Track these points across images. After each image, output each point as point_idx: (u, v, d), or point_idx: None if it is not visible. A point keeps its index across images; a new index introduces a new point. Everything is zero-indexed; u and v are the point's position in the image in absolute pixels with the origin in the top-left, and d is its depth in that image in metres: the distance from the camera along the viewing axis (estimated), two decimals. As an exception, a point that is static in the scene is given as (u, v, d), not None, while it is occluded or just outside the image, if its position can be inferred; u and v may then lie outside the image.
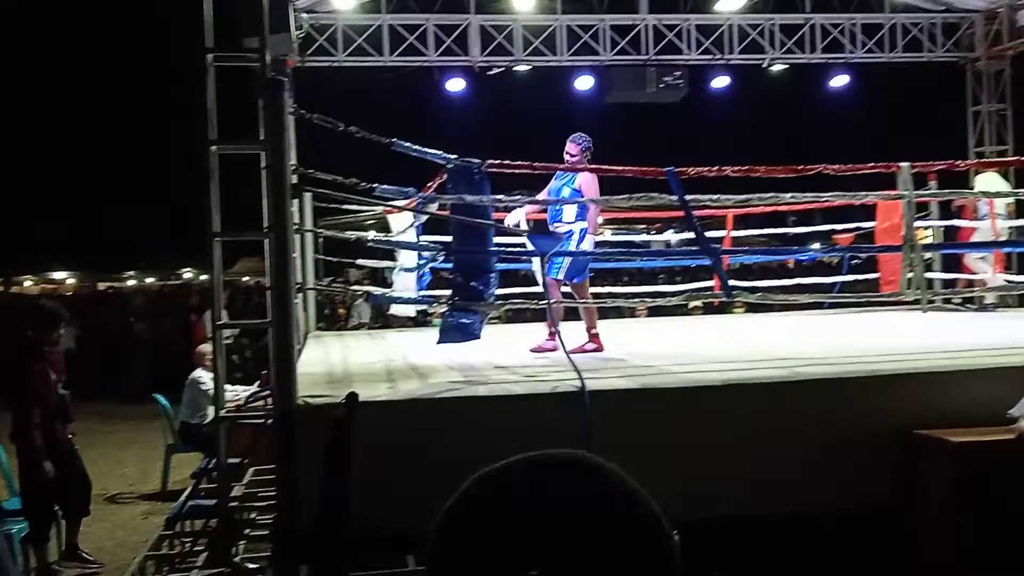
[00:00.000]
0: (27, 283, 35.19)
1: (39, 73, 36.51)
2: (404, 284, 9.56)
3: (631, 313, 12.86)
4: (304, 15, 11.20)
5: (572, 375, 5.02)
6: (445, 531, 1.02)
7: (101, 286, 32.64)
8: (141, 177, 36.05)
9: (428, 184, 7.97)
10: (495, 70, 12.86)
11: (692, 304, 12.94)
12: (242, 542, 5.75)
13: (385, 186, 6.53)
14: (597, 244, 7.57)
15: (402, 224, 9.19)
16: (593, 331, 6.99)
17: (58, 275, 37.57)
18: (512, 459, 1.09)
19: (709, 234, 8.30)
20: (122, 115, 36.22)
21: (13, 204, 34.42)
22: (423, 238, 8.76)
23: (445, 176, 6.79)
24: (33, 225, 34.35)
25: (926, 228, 9.89)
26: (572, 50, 12.79)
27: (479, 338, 6.25)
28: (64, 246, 36.27)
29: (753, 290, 8.77)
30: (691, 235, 7.41)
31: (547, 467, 1.08)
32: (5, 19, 33.27)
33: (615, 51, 12.91)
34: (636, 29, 12.95)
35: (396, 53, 12.29)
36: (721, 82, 13.94)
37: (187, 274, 36.80)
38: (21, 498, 7.31)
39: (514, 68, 12.95)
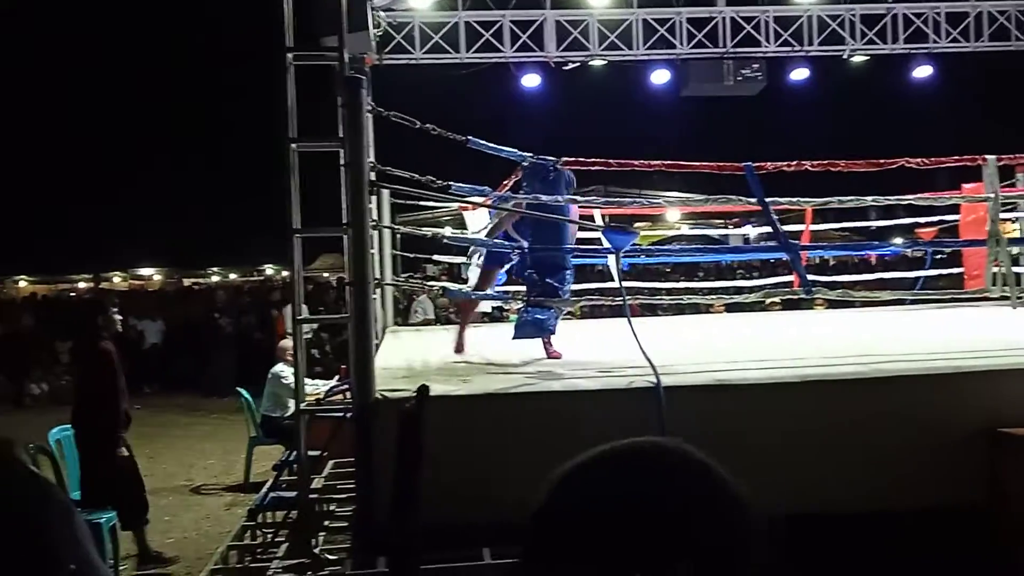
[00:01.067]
0: (116, 279, 36.12)
1: (125, 72, 37.45)
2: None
3: (707, 309, 12.74)
4: (382, 13, 11.31)
5: (647, 371, 5.01)
6: (544, 521, 1.04)
7: (186, 282, 33.39)
8: (223, 174, 36.77)
9: (504, 182, 8.01)
10: (570, 65, 12.84)
11: (770, 300, 12.78)
12: (321, 534, 5.85)
13: (461, 184, 6.57)
14: (675, 239, 7.52)
15: (479, 221, 9.25)
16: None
17: (145, 271, 38.48)
18: (603, 448, 1.10)
19: (787, 228, 8.19)
20: (204, 114, 36.99)
21: (103, 202, 35.44)
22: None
23: (520, 174, 6.82)
24: (121, 222, 35.30)
25: (1013, 221, 9.62)
26: (648, 44, 12.71)
27: (554, 333, 6.27)
28: (150, 243, 37.18)
29: (833, 286, 8.65)
30: (769, 230, 7.33)
31: (640, 455, 1.07)
32: (91, 17, 34.24)
33: (692, 44, 12.79)
34: (713, 22, 12.82)
35: (472, 50, 12.35)
36: (800, 74, 13.73)
37: (268, 270, 37.41)
38: (89, 485, 7.37)
39: (589, 63, 12.93)
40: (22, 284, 34.77)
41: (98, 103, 37.25)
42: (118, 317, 7.81)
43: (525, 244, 6.45)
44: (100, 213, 35.89)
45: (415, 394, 4.32)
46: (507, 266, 6.90)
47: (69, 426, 7.64)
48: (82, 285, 33.39)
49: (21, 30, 35.18)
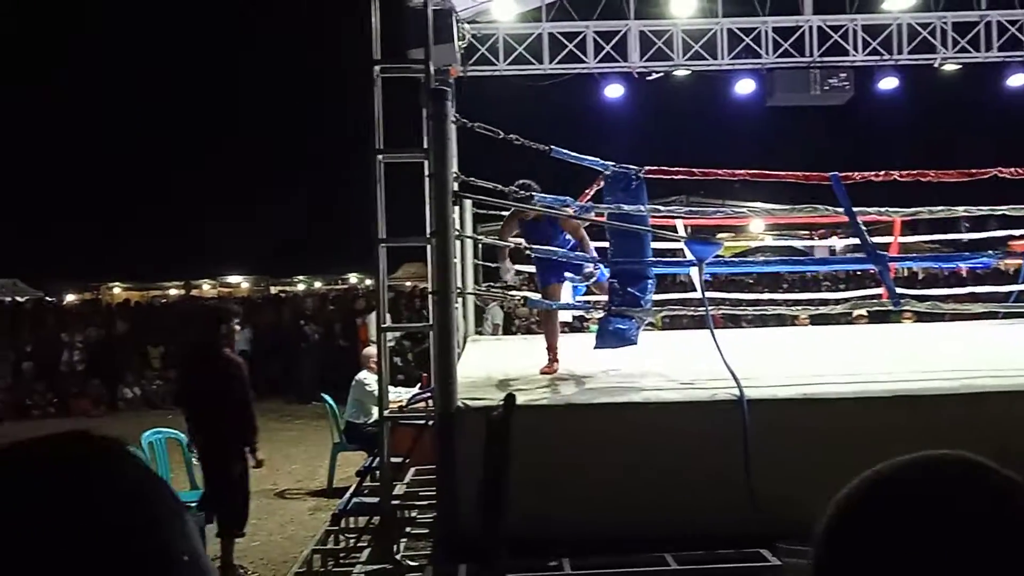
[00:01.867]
0: (205, 287, 36.98)
1: (217, 83, 38.39)
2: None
3: (792, 321, 12.57)
4: (467, 25, 11.42)
5: (731, 383, 4.97)
6: (838, 536, 0.98)
7: (273, 290, 34.03)
8: (310, 184, 37.45)
9: (585, 191, 8.01)
10: (654, 75, 12.80)
11: (857, 312, 12.55)
12: (403, 540, 5.91)
13: (543, 194, 6.60)
14: (758, 250, 7.44)
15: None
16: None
17: (233, 279, 39.32)
18: (901, 460, 1.04)
19: (875, 240, 8.04)
20: (292, 125, 37.73)
21: (194, 211, 36.37)
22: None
23: (602, 183, 6.82)
24: (211, 231, 36.16)
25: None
26: (733, 53, 12.60)
27: (635, 344, 6.25)
28: (239, 251, 38.03)
29: (922, 298, 8.46)
30: (856, 241, 7.20)
31: (938, 469, 1.01)
32: (183, 30, 35.17)
33: (778, 53, 12.64)
34: (800, 31, 12.65)
35: (556, 61, 12.39)
36: (889, 83, 13.46)
37: (352, 278, 37.92)
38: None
39: (673, 73, 12.87)
40: (116, 291, 35.83)
41: (191, 115, 38.27)
42: (237, 327, 7.88)
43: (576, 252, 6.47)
44: (191, 222, 36.86)
45: (502, 403, 4.35)
46: (572, 277, 6.90)
47: (161, 430, 7.82)
48: (173, 292, 34.27)
49: (119, 41, 36.32)
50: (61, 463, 0.94)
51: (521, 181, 6.57)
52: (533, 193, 6.54)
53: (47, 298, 29.41)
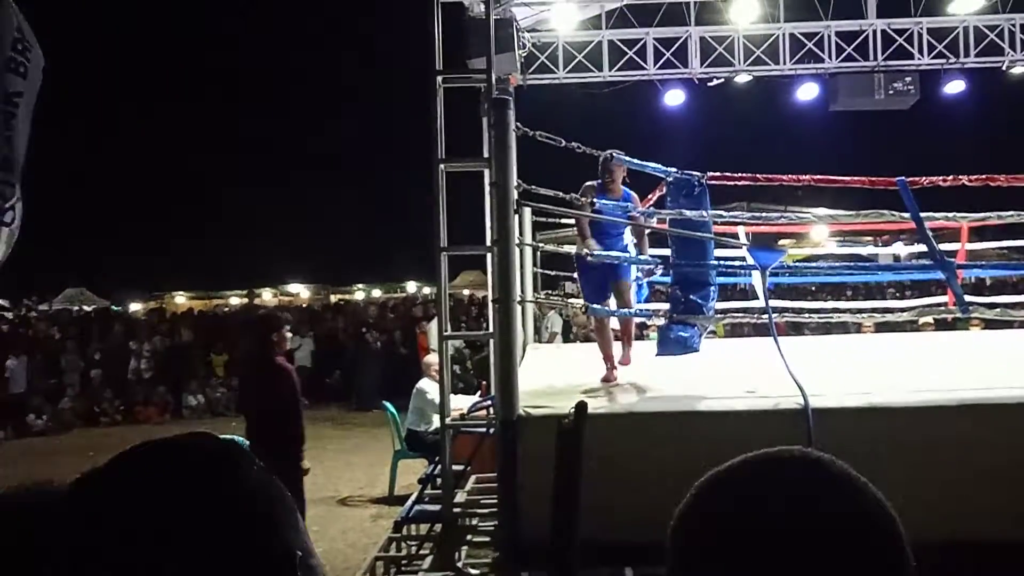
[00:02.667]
0: (266, 295, 37.47)
1: (276, 93, 38.93)
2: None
3: (857, 329, 12.37)
4: (527, 34, 11.45)
5: (795, 391, 4.91)
6: (683, 536, 1.02)
7: (332, 298, 34.37)
8: (369, 193, 37.81)
9: (647, 197, 7.98)
10: (715, 81, 12.72)
11: (923, 320, 12.32)
12: (465, 547, 5.92)
13: (604, 201, 6.58)
14: (821, 257, 7.33)
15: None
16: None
17: (294, 288, 39.78)
18: (738, 459, 1.07)
19: (943, 246, 7.89)
20: (350, 135, 38.12)
21: (254, 221, 36.92)
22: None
23: (664, 189, 6.79)
24: (272, 241, 36.68)
25: None
26: (795, 58, 12.47)
27: (697, 351, 6.20)
28: (299, 260, 38.53)
29: (991, 306, 8.26)
30: (923, 248, 7.07)
31: (775, 464, 1.04)
32: (253, 47, 35.72)
33: (841, 58, 12.48)
34: (863, 35, 12.48)
35: (616, 68, 12.37)
36: (955, 87, 13.21)
37: (411, 286, 38.16)
38: None
39: (734, 78, 12.77)
40: (180, 300, 36.44)
41: (254, 127, 38.85)
42: (288, 335, 7.91)
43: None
44: (252, 232, 37.41)
45: (573, 410, 4.34)
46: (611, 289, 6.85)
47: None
48: (235, 301, 34.76)
49: (185, 53, 37.01)
50: (199, 462, 0.99)
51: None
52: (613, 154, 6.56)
53: (113, 307, 30.01)
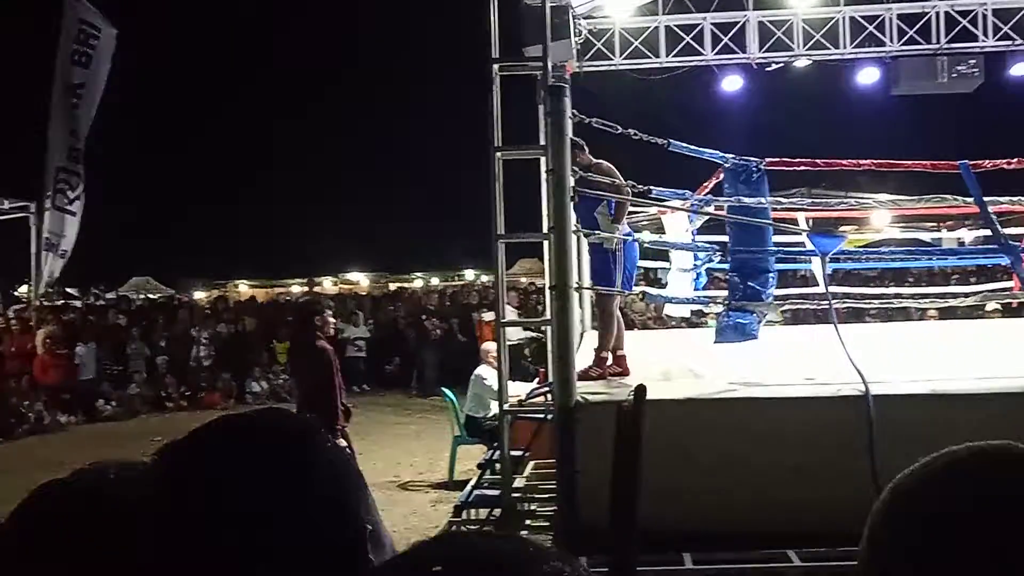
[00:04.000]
0: (326, 283, 37.83)
1: (336, 81, 39.27)
2: (679, 285, 9.56)
3: (921, 315, 12.19)
4: (583, 21, 11.42)
5: (855, 378, 4.88)
6: (896, 521, 0.97)
7: (391, 286, 34.63)
8: (427, 181, 38.03)
9: (704, 184, 7.95)
10: (773, 66, 12.58)
11: (990, 307, 12.10)
12: (524, 532, 5.97)
13: (661, 188, 6.58)
14: (883, 243, 7.25)
15: (677, 225, 9.19)
16: (603, 353, 6.34)
17: (353, 275, 40.11)
18: (951, 451, 1.03)
19: (1008, 231, 7.74)
20: (406, 124, 38.35)
21: (314, 209, 37.34)
22: (699, 238, 8.73)
23: (721, 175, 6.76)
24: (331, 229, 37.06)
25: None
26: (856, 42, 12.28)
27: (756, 338, 6.18)
28: (358, 248, 38.87)
29: (1059, 291, 8.10)
30: (987, 232, 6.95)
31: (998, 460, 0.98)
32: (310, 33, 36.08)
33: (903, 41, 12.26)
34: (926, 17, 12.25)
35: (672, 54, 12.28)
36: (1021, 69, 12.93)
37: (468, 274, 38.28)
38: None
39: (793, 63, 12.62)
40: (242, 288, 36.96)
41: (311, 116, 39.26)
42: (331, 320, 8.23)
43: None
44: (311, 220, 37.84)
45: (632, 394, 4.35)
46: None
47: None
48: (295, 289, 35.15)
49: (244, 40, 37.48)
50: (274, 436, 1.04)
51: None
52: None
53: (177, 295, 30.55)
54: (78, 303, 24.41)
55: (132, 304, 23.09)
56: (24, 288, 25.28)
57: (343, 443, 7.67)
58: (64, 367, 16.99)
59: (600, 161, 6.26)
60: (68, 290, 26.62)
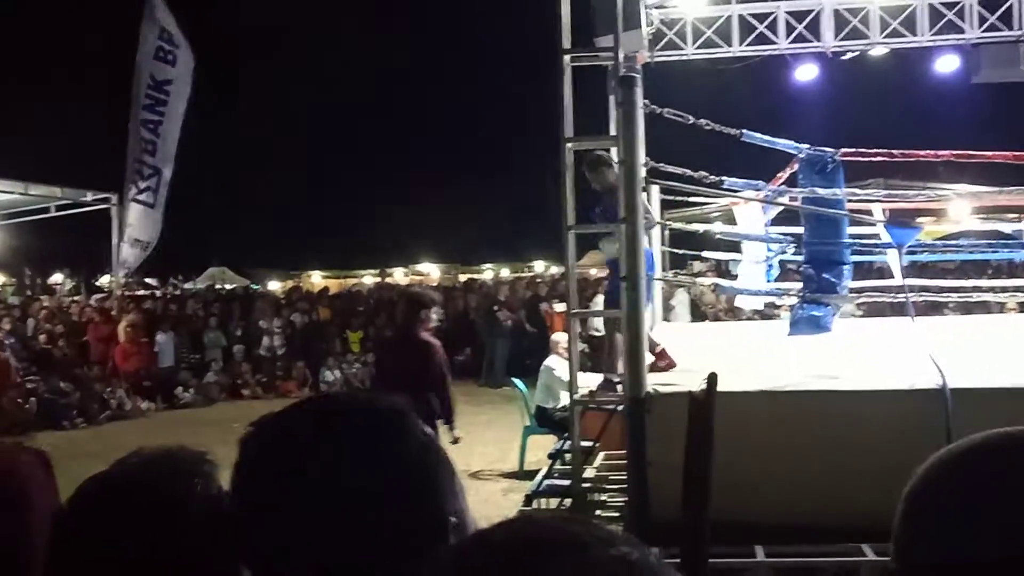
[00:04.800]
0: (398, 275, 38.23)
1: (407, 76, 39.56)
2: (752, 276, 9.48)
3: (1000, 308, 11.92)
4: (654, 11, 11.35)
5: (933, 372, 4.80)
6: (920, 505, 0.98)
7: (462, 277, 34.85)
8: (494, 173, 38.15)
9: (777, 175, 7.87)
10: (849, 55, 12.36)
11: (1073, 300, 11.78)
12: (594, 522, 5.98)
13: (734, 179, 6.53)
14: (961, 234, 7.11)
15: (750, 217, 9.12)
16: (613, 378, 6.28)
17: (423, 267, 40.47)
18: (975, 438, 1.04)
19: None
20: (475, 116, 38.51)
21: (386, 202, 37.71)
22: (771, 230, 8.65)
23: (796, 166, 6.69)
24: (403, 221, 37.40)
25: None
26: (934, 29, 12.00)
27: (830, 331, 6.12)
28: (429, 240, 39.20)
29: None
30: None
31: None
32: (385, 28, 36.41)
33: (984, 28, 11.94)
34: (1008, 2, 11.92)
35: (745, 43, 12.14)
36: (1110, 55, 12.53)
37: (538, 265, 38.35)
38: None
39: (869, 51, 12.39)
40: (315, 278, 37.52)
41: (382, 107, 39.61)
42: (434, 315, 8.14)
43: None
44: (384, 212, 38.22)
45: (705, 383, 4.34)
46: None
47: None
48: (367, 280, 35.58)
49: (322, 36, 37.96)
50: (369, 418, 1.06)
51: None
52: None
53: (252, 285, 31.12)
54: (157, 293, 24.99)
55: (210, 294, 23.60)
56: (105, 279, 26.00)
57: (458, 434, 7.68)
58: (144, 355, 17.43)
59: None
60: (147, 280, 27.30)
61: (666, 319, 16.18)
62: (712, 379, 4.28)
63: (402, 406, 1.11)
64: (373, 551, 1.00)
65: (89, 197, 18.82)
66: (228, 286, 29.45)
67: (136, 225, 17.76)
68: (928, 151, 7.04)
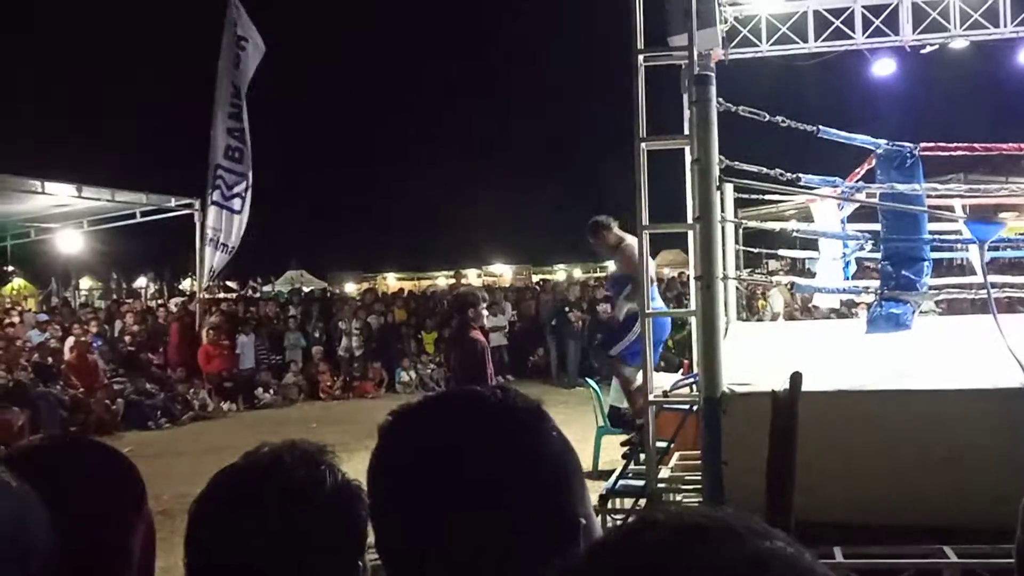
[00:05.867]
0: (471, 275, 38.45)
1: (479, 81, 39.74)
2: (829, 274, 9.36)
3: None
4: (728, 8, 11.26)
5: (1016, 370, 4.71)
6: None
7: (534, 278, 34.91)
8: (567, 173, 38.16)
9: (855, 171, 7.76)
10: (928, 48, 12.12)
11: None
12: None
13: (810, 176, 6.47)
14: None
15: (827, 214, 9.00)
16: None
17: (496, 268, 40.62)
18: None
19: None
20: (550, 117, 38.53)
21: (459, 206, 38.00)
22: (847, 227, 8.54)
23: (873, 162, 6.61)
24: (476, 222, 37.64)
25: None
26: (1018, 20, 11.70)
27: (909, 328, 6.03)
28: (502, 241, 39.36)
29: None
30: None
31: None
32: (456, 30, 36.62)
33: (1069, 17, 11.63)
34: (1094, -9, 11.58)
35: (821, 39, 11.97)
36: None
37: (610, 266, 38.25)
38: None
39: (949, 44, 12.13)
40: (390, 280, 37.91)
41: (456, 111, 39.86)
42: (485, 312, 8.47)
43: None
44: (457, 214, 38.50)
45: (789, 381, 4.31)
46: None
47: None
48: (441, 281, 35.86)
49: (396, 42, 38.36)
50: (511, 417, 1.08)
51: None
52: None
53: (329, 288, 31.57)
54: (237, 295, 25.48)
55: (293, 296, 24.01)
56: (187, 282, 26.60)
57: None
58: (226, 357, 17.80)
59: (626, 242, 6.64)
60: (228, 283, 27.87)
61: (760, 318, 16.06)
62: (796, 379, 4.25)
63: (539, 406, 1.12)
64: (507, 549, 1.00)
65: (173, 203, 19.30)
66: (305, 288, 29.93)
67: (218, 229, 18.19)
68: (1011, 144, 6.89)
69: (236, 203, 18.27)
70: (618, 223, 7.75)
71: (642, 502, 6.24)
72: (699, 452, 5.36)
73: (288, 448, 1.33)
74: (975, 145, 6.65)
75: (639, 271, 6.31)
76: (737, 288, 11.63)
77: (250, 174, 18.33)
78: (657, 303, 7.58)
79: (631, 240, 6.81)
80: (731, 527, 0.74)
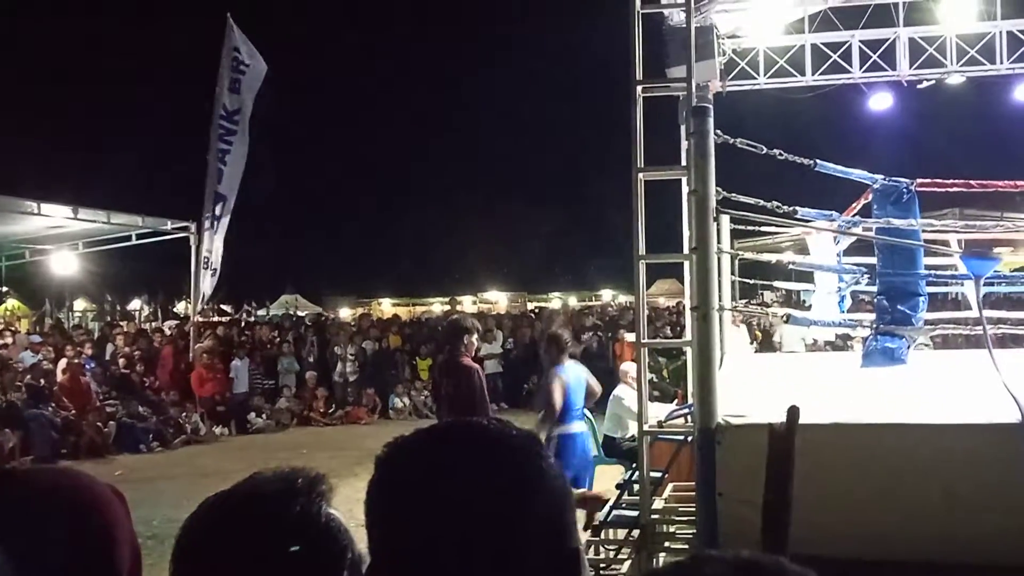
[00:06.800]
0: (466, 303, 38.44)
1: (476, 107, 39.94)
2: (825, 307, 9.37)
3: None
4: (727, 41, 11.34)
5: (1011, 406, 4.70)
6: None
7: (529, 305, 34.93)
8: (564, 203, 38.27)
9: (852, 205, 7.79)
10: (924, 83, 12.20)
11: None
12: (663, 554, 5.94)
13: (807, 209, 6.48)
14: None
15: (822, 247, 9.02)
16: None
17: (491, 295, 40.63)
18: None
19: None
20: (544, 146, 38.71)
21: (456, 232, 38.07)
22: (845, 260, 8.55)
23: (870, 196, 6.63)
24: (471, 250, 37.70)
25: None
26: (1013, 57, 11.80)
27: (904, 363, 6.02)
28: (497, 269, 39.41)
29: None
30: None
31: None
32: (454, 60, 36.81)
33: (1065, 55, 11.73)
34: (1089, 30, 11.69)
35: (819, 72, 12.07)
36: None
37: (605, 294, 38.25)
38: None
39: (946, 80, 12.22)
40: (385, 306, 37.89)
41: (450, 138, 40.03)
42: (475, 341, 8.40)
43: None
44: (452, 241, 38.57)
45: (787, 415, 4.30)
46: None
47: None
48: (436, 308, 35.84)
49: (400, 67, 38.56)
50: (508, 449, 1.07)
51: None
52: None
53: (324, 313, 31.52)
54: (230, 319, 25.42)
55: (285, 320, 23.96)
56: (181, 305, 26.55)
57: None
58: (219, 380, 17.74)
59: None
60: (222, 307, 27.82)
61: (772, 349, 16.02)
62: (793, 412, 4.24)
63: (535, 437, 1.12)
64: (509, 572, 1.00)
65: (169, 226, 19.30)
66: (300, 312, 29.87)
67: (211, 252, 18.22)
68: (1006, 181, 6.91)
69: (217, 224, 18.33)
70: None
71: (635, 533, 6.21)
72: (693, 483, 5.33)
73: (278, 478, 1.31)
74: (971, 182, 6.66)
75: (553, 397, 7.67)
76: (747, 322, 11.63)
77: (231, 197, 18.35)
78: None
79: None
80: (783, 567, 0.83)
